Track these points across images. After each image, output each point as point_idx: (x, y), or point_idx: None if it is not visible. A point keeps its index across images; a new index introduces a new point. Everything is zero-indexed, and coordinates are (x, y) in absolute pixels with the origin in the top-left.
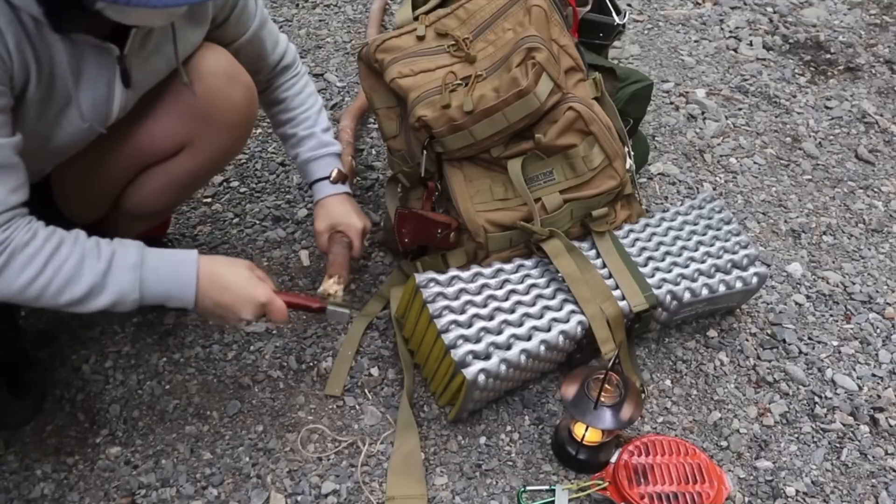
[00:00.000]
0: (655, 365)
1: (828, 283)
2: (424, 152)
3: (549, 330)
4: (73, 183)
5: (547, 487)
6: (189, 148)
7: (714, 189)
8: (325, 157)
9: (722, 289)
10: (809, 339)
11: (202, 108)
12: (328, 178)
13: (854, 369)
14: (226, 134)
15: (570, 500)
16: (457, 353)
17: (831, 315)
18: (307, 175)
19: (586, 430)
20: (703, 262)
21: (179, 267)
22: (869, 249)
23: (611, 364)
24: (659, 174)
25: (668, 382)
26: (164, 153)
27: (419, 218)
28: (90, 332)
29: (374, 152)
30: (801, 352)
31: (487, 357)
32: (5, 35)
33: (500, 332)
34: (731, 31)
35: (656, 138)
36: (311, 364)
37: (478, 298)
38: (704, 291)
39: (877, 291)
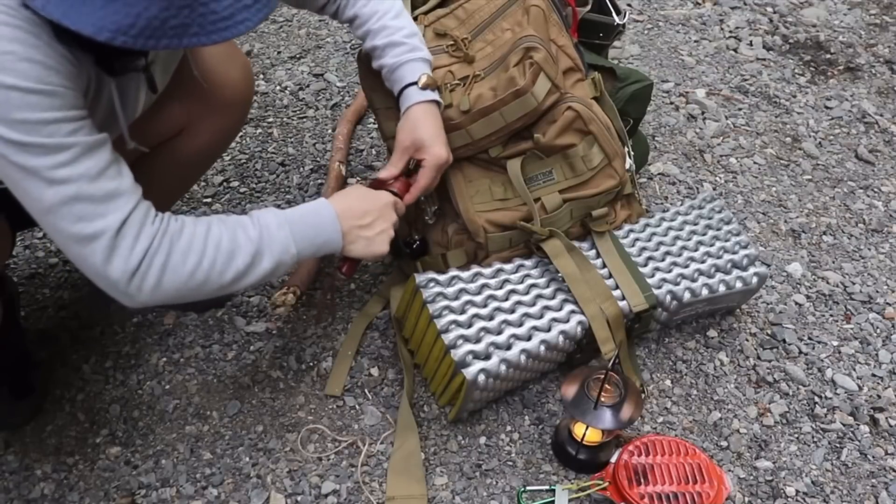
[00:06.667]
0: (655, 365)
1: (828, 283)
2: None
3: (549, 330)
4: None
5: (547, 487)
6: (189, 128)
7: (714, 189)
8: (411, 62)
9: (722, 289)
10: (809, 339)
11: (201, 87)
12: (415, 83)
13: (854, 369)
14: (225, 112)
15: (570, 500)
16: (457, 353)
17: (831, 315)
18: (394, 85)
19: (586, 430)
20: (703, 262)
21: (318, 212)
22: (869, 249)
23: (611, 364)
24: (659, 174)
25: (668, 382)
26: (163, 136)
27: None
28: (90, 332)
29: (374, 152)
30: (801, 352)
31: (487, 357)
32: (81, 61)
33: (500, 332)
34: (731, 31)
35: (656, 138)
36: (311, 364)
37: (478, 298)
38: (704, 291)
39: (877, 291)
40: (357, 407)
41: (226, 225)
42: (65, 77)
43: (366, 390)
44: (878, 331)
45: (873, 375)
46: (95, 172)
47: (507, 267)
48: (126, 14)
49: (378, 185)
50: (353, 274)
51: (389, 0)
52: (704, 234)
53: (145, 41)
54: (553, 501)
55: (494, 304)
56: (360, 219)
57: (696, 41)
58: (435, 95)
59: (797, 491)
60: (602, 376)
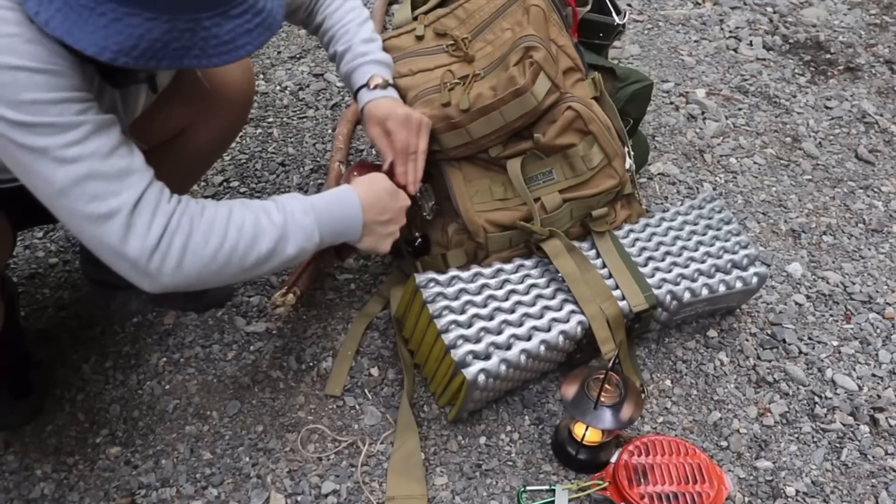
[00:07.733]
0: (655, 365)
1: (828, 283)
2: None
3: (549, 330)
4: None
5: (547, 487)
6: (190, 128)
7: (714, 189)
8: (362, 65)
9: (722, 289)
10: (809, 339)
11: (202, 87)
12: (365, 85)
13: (854, 369)
14: (226, 112)
15: (570, 500)
16: (457, 353)
17: (831, 315)
18: (350, 88)
19: (586, 430)
20: (703, 262)
21: (345, 202)
22: (869, 249)
23: (611, 364)
24: (659, 174)
25: (668, 382)
26: (164, 135)
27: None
28: (90, 332)
29: (373, 152)
30: (801, 352)
31: (487, 357)
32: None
33: (500, 332)
34: (731, 31)
35: (656, 138)
36: (311, 364)
37: (478, 298)
38: (704, 291)
39: (877, 291)
40: (357, 407)
41: (248, 209)
42: (70, 61)
43: (366, 390)
44: (878, 331)
45: (873, 375)
46: (107, 150)
47: (507, 267)
48: (129, 35)
49: (390, 174)
50: (346, 259)
51: (356, 9)
52: (704, 234)
53: (147, 62)
54: (553, 501)
55: (494, 304)
56: (381, 215)
57: (696, 41)
58: (386, 93)
59: (797, 491)
60: (602, 376)
